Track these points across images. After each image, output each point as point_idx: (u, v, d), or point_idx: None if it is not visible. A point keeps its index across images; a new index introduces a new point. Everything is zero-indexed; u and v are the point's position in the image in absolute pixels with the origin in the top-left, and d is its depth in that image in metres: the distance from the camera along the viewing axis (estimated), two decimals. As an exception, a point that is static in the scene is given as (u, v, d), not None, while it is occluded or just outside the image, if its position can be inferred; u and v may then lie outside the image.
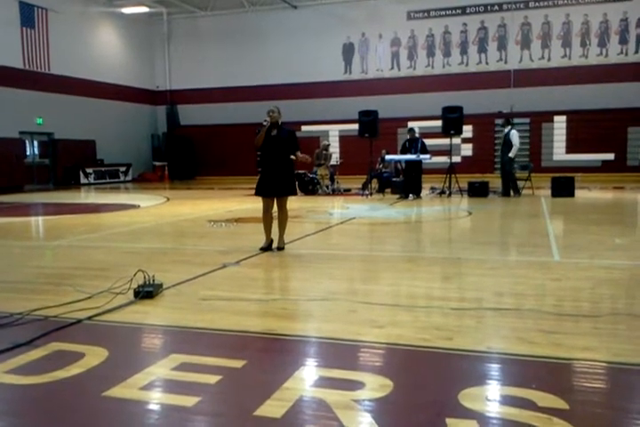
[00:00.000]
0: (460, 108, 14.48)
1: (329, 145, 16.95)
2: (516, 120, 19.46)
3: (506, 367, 3.13)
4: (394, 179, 15.45)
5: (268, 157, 6.69)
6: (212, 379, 2.96)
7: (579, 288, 4.80)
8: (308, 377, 3.01)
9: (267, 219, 6.81)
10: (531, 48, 23.70)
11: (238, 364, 3.16)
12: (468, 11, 24.09)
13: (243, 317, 4.11)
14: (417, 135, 14.36)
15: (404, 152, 14.37)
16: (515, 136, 13.53)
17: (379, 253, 6.95)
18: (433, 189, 15.19)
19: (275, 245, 6.80)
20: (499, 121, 21.92)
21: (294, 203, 13.44)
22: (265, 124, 6.55)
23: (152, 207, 13.37)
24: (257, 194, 6.80)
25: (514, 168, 14.11)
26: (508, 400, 2.69)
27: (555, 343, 3.41)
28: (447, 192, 14.35)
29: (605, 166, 22.06)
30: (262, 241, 6.84)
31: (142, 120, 27.77)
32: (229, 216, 10.53)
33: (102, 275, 5.46)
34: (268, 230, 6.83)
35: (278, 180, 6.66)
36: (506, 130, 13.73)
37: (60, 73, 22.43)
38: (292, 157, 6.88)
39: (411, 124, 20.51)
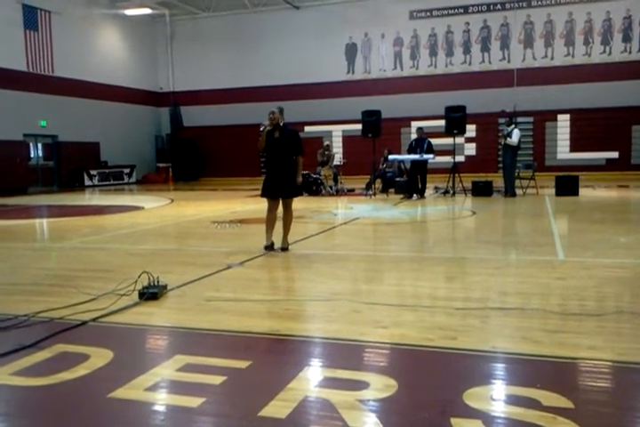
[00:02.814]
0: (463, 108, 14.46)
1: (328, 145, 16.97)
2: (519, 119, 19.47)
3: (510, 367, 3.13)
4: (397, 179, 15.44)
5: (272, 159, 6.70)
6: (217, 380, 2.96)
7: (583, 287, 4.79)
8: (312, 377, 3.01)
9: (270, 219, 6.82)
10: (534, 47, 23.67)
11: (243, 364, 3.16)
12: (470, 10, 24.07)
13: (247, 317, 4.12)
14: (423, 135, 14.33)
15: (410, 152, 14.37)
16: (515, 135, 13.46)
17: (383, 254, 6.95)
18: (437, 188, 15.17)
19: (278, 245, 6.80)
20: (502, 120, 21.95)
21: (298, 203, 13.41)
22: (263, 128, 6.54)
23: (156, 209, 13.39)
24: (263, 195, 6.81)
25: (517, 168, 14.07)
26: (512, 400, 2.69)
27: (559, 343, 3.41)
28: (451, 192, 14.34)
29: (610, 165, 22.02)
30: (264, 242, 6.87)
31: (146, 122, 27.83)
32: (233, 217, 10.54)
33: (107, 276, 5.47)
34: (270, 230, 6.84)
35: (283, 181, 6.66)
36: (509, 129, 13.70)
37: (63, 75, 22.50)
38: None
39: (414, 124, 20.53)
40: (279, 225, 6.86)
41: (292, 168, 6.70)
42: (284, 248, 6.78)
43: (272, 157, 6.69)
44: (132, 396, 2.80)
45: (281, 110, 6.69)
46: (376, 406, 2.65)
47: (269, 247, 6.75)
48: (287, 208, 6.82)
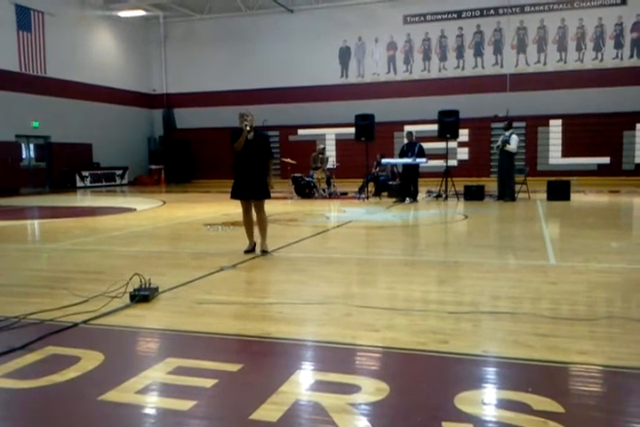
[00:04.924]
0: (456, 112, 14.51)
1: (324, 148, 16.98)
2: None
3: (502, 371, 3.14)
4: (390, 182, 15.47)
5: (244, 161, 6.67)
6: (208, 383, 2.95)
7: (574, 292, 4.81)
8: (304, 381, 3.01)
9: (248, 221, 6.85)
10: (526, 52, 23.80)
11: (234, 368, 3.16)
12: (463, 15, 24.19)
13: (239, 320, 4.11)
14: (414, 139, 14.38)
15: (401, 156, 14.41)
16: (514, 142, 13.53)
17: (375, 257, 6.96)
18: (429, 192, 15.21)
19: (258, 248, 6.80)
20: (494, 125, 22.06)
21: (291, 206, 13.45)
22: (246, 128, 6.55)
23: (148, 211, 13.35)
24: (233, 197, 6.80)
25: (514, 172, 14.11)
26: (503, 404, 2.70)
27: (550, 347, 3.42)
28: (443, 196, 14.37)
29: (601, 170, 22.15)
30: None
31: (139, 123, 27.75)
32: (226, 219, 10.52)
33: (98, 278, 5.45)
34: (250, 233, 6.87)
35: (254, 183, 6.66)
36: (507, 134, 13.73)
37: (56, 76, 22.42)
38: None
39: (407, 128, 20.57)
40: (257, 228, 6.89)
41: (263, 170, 6.74)
42: (265, 251, 6.74)
43: (244, 158, 6.67)
44: (122, 399, 2.78)
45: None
46: (367, 409, 2.64)
47: (250, 251, 6.77)
48: (260, 211, 6.80)
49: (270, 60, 25.94)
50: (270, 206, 6.89)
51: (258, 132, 6.82)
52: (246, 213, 6.83)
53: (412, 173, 14.05)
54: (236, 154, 6.70)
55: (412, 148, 14.09)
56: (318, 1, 25.43)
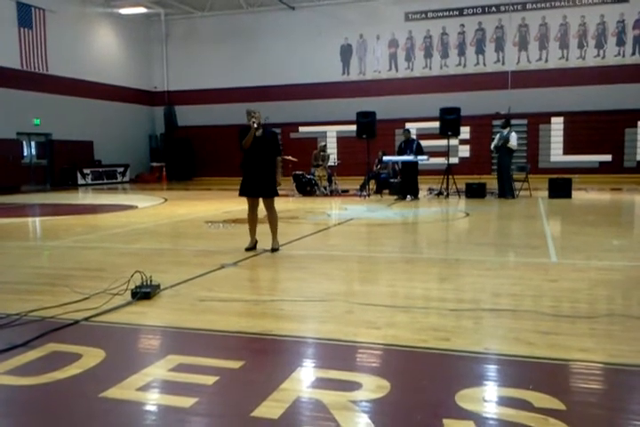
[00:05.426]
0: (457, 110, 14.50)
1: (325, 145, 16.96)
2: (513, 121, 19.52)
3: (503, 368, 3.14)
4: (391, 180, 15.46)
5: (253, 158, 6.67)
6: (210, 380, 2.95)
7: (575, 289, 4.81)
8: (305, 378, 3.01)
9: (252, 219, 6.84)
10: (528, 49, 23.75)
11: (236, 365, 3.16)
12: (465, 12, 24.14)
13: (240, 317, 4.11)
14: (413, 136, 14.37)
15: (399, 153, 14.41)
16: (514, 139, 13.57)
17: (376, 255, 6.96)
18: (430, 190, 15.20)
19: (269, 247, 6.79)
20: (496, 122, 22.02)
21: (292, 204, 13.46)
22: (254, 125, 6.54)
23: (150, 208, 13.36)
24: (241, 194, 6.80)
25: (511, 170, 14.13)
26: (504, 401, 2.70)
27: (551, 344, 3.42)
28: (445, 193, 14.36)
29: (603, 168, 22.11)
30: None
31: (140, 121, 27.74)
32: (227, 217, 10.53)
33: (99, 276, 5.45)
34: (252, 231, 6.86)
35: (263, 180, 6.66)
36: (505, 132, 13.73)
37: (57, 74, 22.41)
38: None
39: (408, 126, 20.57)
40: (263, 226, 6.86)
41: (272, 168, 6.74)
42: (275, 249, 6.76)
43: (252, 155, 6.66)
44: (123, 396, 2.79)
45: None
46: (368, 407, 2.65)
47: (252, 249, 6.76)
48: (270, 208, 6.81)
49: (271, 57, 25.91)
50: (272, 204, 6.88)
51: (267, 129, 6.80)
52: (252, 210, 6.82)
53: (411, 171, 14.04)
54: (245, 151, 6.70)
55: (410, 145, 14.08)
56: (319, -2, 25.42)
